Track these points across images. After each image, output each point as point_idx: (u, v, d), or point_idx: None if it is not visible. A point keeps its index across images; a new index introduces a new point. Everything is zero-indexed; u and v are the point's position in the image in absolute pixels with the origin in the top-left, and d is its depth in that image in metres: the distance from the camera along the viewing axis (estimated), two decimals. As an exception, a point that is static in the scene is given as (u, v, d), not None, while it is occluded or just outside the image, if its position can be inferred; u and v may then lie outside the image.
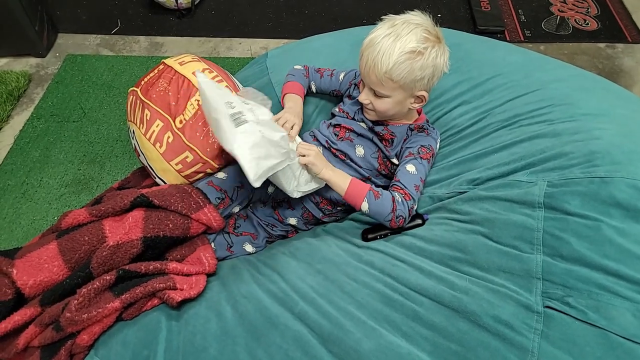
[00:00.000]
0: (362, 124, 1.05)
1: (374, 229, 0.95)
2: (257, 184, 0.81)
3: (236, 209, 1.06)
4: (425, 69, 0.89)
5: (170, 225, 0.92)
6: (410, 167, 0.96)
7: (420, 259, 0.83)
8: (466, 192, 0.89)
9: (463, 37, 1.20)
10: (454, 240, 0.82)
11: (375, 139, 1.04)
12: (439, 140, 1.04)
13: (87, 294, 0.81)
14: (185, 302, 0.86)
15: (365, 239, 0.95)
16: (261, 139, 0.82)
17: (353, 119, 1.06)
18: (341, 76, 1.13)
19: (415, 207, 0.93)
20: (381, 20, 0.94)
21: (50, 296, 0.85)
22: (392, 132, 1.03)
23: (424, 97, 0.95)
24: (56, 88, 1.80)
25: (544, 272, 0.70)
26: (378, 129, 1.03)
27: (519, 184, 0.81)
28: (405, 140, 1.02)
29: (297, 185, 0.95)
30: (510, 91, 1.00)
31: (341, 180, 0.93)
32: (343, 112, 1.09)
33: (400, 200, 0.90)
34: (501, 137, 0.93)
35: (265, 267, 0.95)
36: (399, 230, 0.92)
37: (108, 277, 0.83)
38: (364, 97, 0.97)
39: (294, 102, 1.10)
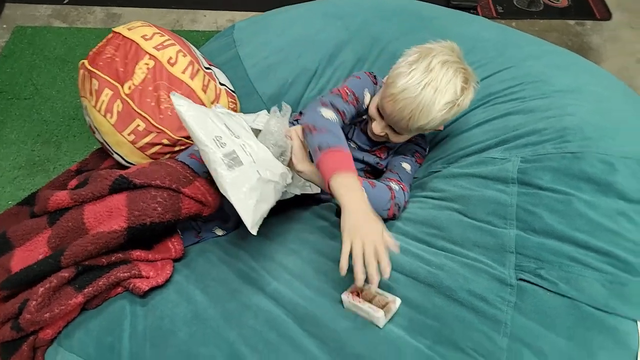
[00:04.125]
0: (354, 145, 0.99)
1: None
2: (254, 231, 0.72)
3: None
4: (455, 115, 0.85)
5: (159, 209, 0.81)
6: (406, 166, 0.93)
7: (396, 236, 0.83)
8: (440, 171, 0.88)
9: (439, 11, 1.18)
10: (429, 217, 0.82)
11: (367, 158, 0.98)
12: (427, 148, 1.03)
13: (46, 293, 0.75)
14: (151, 289, 0.82)
15: (338, 215, 0.93)
16: (257, 181, 0.73)
17: (347, 137, 0.97)
18: (367, 99, 0.94)
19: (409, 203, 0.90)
20: (410, 50, 0.85)
21: (13, 280, 0.78)
22: (382, 150, 1.00)
23: (441, 129, 0.94)
24: (4, 62, 1.67)
25: (517, 246, 0.71)
26: (369, 159, 0.98)
27: (493, 160, 0.81)
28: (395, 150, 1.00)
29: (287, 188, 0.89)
30: (484, 69, 0.99)
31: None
32: None
33: (397, 189, 0.85)
34: (475, 116, 0.92)
35: (236, 248, 0.92)
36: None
37: (66, 274, 0.77)
38: (380, 130, 0.88)
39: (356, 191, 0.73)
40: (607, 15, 2.04)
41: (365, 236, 0.66)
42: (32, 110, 1.54)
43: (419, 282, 0.73)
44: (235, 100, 1.20)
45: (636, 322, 0.62)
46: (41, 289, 0.75)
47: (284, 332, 0.73)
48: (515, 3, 2.06)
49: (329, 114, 0.82)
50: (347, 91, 0.90)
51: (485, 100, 0.93)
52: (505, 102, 0.89)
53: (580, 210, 0.69)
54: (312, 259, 0.85)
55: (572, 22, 2.03)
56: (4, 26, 1.78)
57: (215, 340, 0.74)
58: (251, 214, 0.71)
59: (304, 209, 1.02)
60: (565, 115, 0.78)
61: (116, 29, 1.12)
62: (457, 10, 1.19)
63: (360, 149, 0.98)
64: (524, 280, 0.68)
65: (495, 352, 0.64)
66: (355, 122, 0.98)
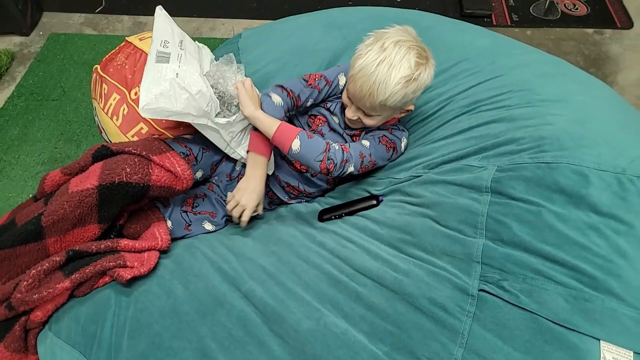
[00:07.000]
0: (336, 118, 1.04)
1: (330, 210, 0.95)
2: (144, 113, 0.86)
3: (199, 174, 1.05)
4: (417, 91, 0.90)
5: (128, 170, 0.87)
6: (365, 142, 0.97)
7: (370, 240, 0.83)
8: (421, 176, 0.88)
9: (433, 20, 1.18)
10: (404, 223, 0.82)
11: (345, 136, 1.04)
12: (404, 139, 1.02)
13: (37, 275, 0.80)
14: (136, 279, 0.86)
15: (320, 219, 0.95)
16: (170, 81, 0.88)
17: (328, 109, 1.05)
18: (342, 80, 1.05)
19: (351, 167, 0.93)
20: (367, 36, 0.91)
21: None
22: (359, 135, 1.04)
23: (412, 109, 0.98)
24: (38, 66, 1.80)
25: (483, 256, 0.70)
26: (346, 137, 1.04)
27: (470, 168, 0.80)
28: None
29: (231, 150, 1.01)
30: (474, 77, 0.99)
31: (270, 121, 0.92)
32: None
33: (337, 147, 0.91)
34: (460, 123, 0.92)
35: (221, 246, 0.95)
36: (353, 210, 0.92)
37: (58, 258, 0.82)
38: (352, 114, 0.95)
39: (259, 169, 0.97)
40: (628, 24, 1.95)
41: (241, 199, 0.96)
42: (59, 111, 1.66)
43: (385, 288, 0.73)
44: (234, 107, 1.25)
45: (599, 340, 0.60)
46: (33, 271, 0.80)
47: (251, 330, 0.75)
48: (531, 11, 2.01)
49: (276, 98, 0.98)
50: (317, 77, 1.03)
51: (472, 107, 0.92)
52: (491, 109, 0.88)
53: (550, 222, 0.67)
54: (289, 261, 0.86)
55: (590, 30, 1.95)
56: (40, 33, 1.93)
57: (187, 334, 0.77)
58: (146, 98, 0.86)
59: (289, 211, 1.04)
60: (544, 124, 0.77)
61: (129, 39, 1.17)
62: (453, 19, 1.18)
63: (341, 125, 1.04)
64: (486, 292, 0.67)
65: (450, 362, 0.63)
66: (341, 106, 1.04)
